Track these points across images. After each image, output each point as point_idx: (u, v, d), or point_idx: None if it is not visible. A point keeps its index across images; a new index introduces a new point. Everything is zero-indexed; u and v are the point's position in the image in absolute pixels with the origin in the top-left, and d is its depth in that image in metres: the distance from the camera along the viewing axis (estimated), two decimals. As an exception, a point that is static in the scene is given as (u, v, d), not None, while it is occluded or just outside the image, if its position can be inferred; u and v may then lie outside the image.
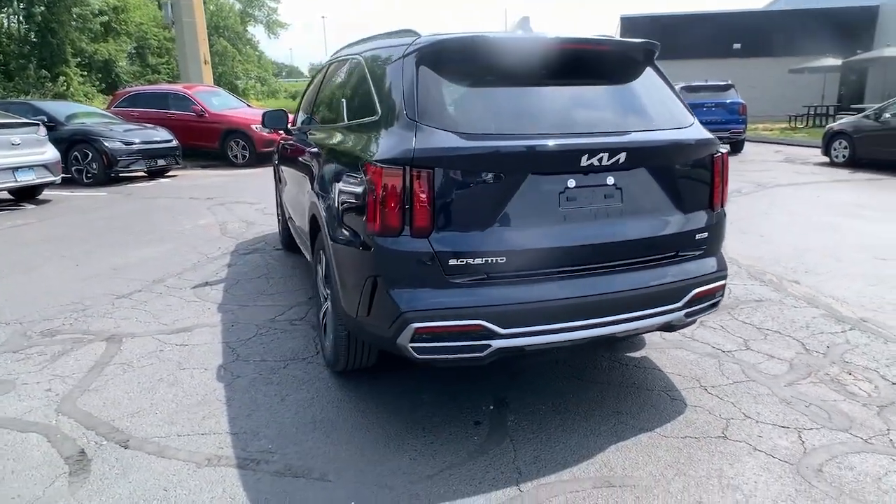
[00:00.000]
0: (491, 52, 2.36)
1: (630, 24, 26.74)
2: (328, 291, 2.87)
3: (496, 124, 2.29)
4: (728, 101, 13.88)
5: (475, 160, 2.17)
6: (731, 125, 13.55)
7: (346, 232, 2.48)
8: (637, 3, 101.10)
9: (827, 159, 11.68)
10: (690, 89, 14.09)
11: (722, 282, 2.62)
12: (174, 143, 11.02)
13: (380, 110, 2.46)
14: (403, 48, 2.47)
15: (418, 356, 2.23)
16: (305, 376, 3.05)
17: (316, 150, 3.18)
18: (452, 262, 2.19)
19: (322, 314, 3.11)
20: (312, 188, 3.06)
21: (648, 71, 2.66)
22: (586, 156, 2.23)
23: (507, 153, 2.20)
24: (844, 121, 11.64)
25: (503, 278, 2.25)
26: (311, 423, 2.61)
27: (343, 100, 3.09)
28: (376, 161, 2.21)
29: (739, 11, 28.85)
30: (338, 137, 2.85)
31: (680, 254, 2.54)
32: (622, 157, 2.29)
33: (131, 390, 2.92)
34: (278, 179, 5.24)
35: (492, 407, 2.73)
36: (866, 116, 10.91)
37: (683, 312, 2.49)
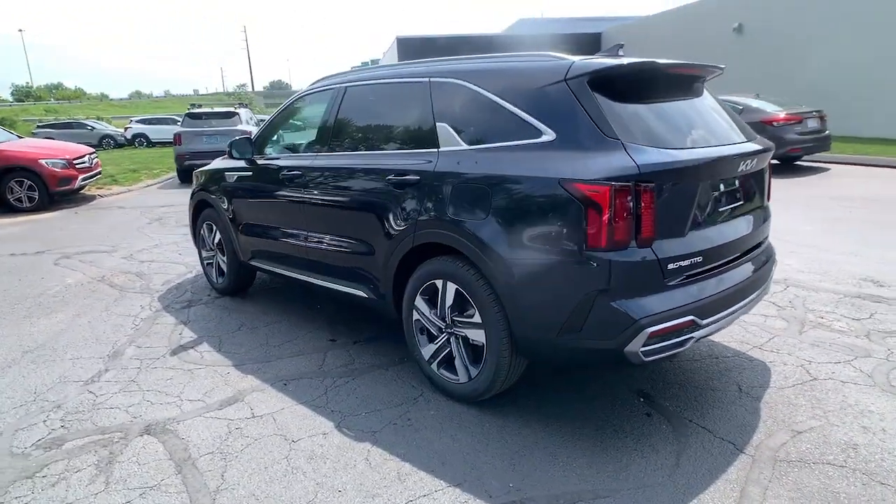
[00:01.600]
0: (652, 76, 2.61)
1: (406, 45, 28.34)
2: (472, 318, 2.76)
3: (672, 139, 2.54)
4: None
5: (685, 171, 2.40)
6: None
7: (537, 253, 2.46)
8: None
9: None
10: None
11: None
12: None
13: (552, 131, 2.50)
14: (557, 71, 2.57)
15: (646, 359, 2.37)
16: (440, 414, 2.88)
17: (415, 177, 2.95)
18: (670, 266, 2.39)
19: (442, 345, 2.96)
20: (427, 215, 2.86)
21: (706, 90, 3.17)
22: (745, 161, 2.64)
23: (704, 163, 2.48)
24: None
25: (699, 276, 2.52)
26: (510, 459, 2.52)
27: (437, 123, 2.96)
28: (600, 179, 2.29)
29: (489, 35, 32.68)
30: (472, 162, 2.75)
31: (767, 239, 3.11)
32: (755, 161, 2.75)
33: (264, 485, 2.41)
34: (223, 215, 4.57)
35: (641, 399, 2.96)
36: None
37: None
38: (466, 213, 2.71)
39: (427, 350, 3.07)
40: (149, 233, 7.67)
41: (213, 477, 2.45)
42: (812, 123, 11.01)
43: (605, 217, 2.29)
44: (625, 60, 2.56)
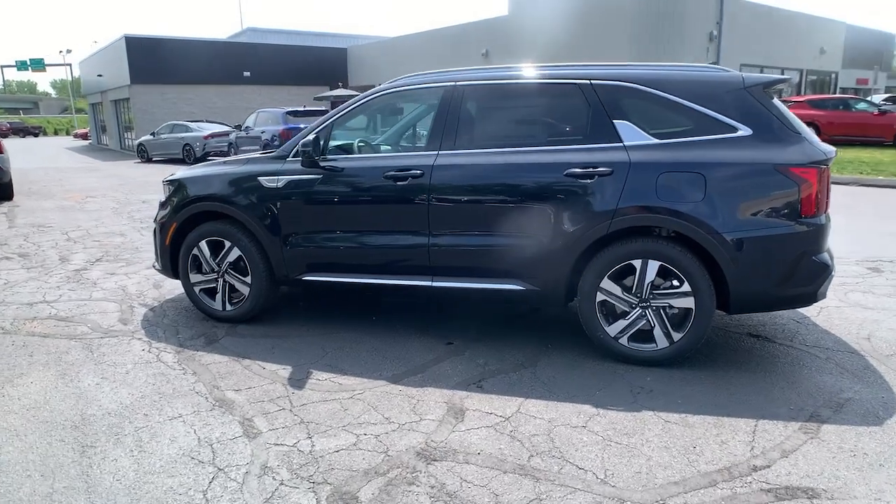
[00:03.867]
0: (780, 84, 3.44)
1: (136, 44, 24.80)
2: (679, 288, 3.19)
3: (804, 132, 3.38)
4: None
5: (831, 159, 3.26)
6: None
7: (759, 223, 3.06)
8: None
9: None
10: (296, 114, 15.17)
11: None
12: None
13: (748, 129, 3.13)
14: (735, 80, 3.22)
15: (825, 296, 3.20)
16: (657, 379, 3.21)
17: (607, 168, 3.22)
18: (826, 227, 3.24)
19: (635, 320, 3.30)
20: (629, 202, 3.17)
21: None
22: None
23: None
24: None
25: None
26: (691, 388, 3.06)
27: (614, 121, 3.29)
28: (809, 163, 3.01)
29: (221, 40, 30.81)
30: (673, 153, 3.16)
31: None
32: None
33: (619, 465, 2.47)
34: (255, 227, 3.90)
35: (754, 337, 3.78)
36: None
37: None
38: (680, 197, 3.14)
39: (614, 328, 3.36)
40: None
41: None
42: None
43: (815, 191, 3.03)
44: (777, 76, 3.34)
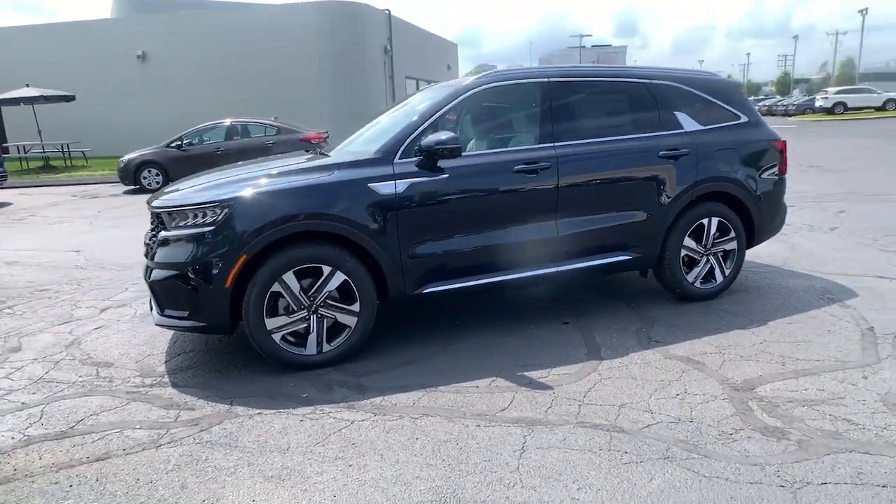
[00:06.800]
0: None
1: None
2: (729, 236, 4.26)
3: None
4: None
5: None
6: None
7: (767, 180, 4.34)
8: None
9: (135, 186, 12.58)
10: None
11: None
12: None
13: (746, 117, 4.38)
14: (734, 82, 4.47)
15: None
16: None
17: (686, 150, 4.05)
18: (783, 181, 4.81)
19: (703, 265, 4.24)
20: (704, 174, 4.07)
21: None
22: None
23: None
24: (149, 152, 12.68)
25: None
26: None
27: (674, 112, 4.10)
28: (781, 139, 4.46)
29: None
30: (716, 136, 4.14)
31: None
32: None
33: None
34: (370, 244, 3.32)
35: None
36: (168, 146, 12.62)
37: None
38: (730, 168, 4.21)
39: (692, 274, 4.23)
40: None
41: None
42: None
43: (785, 157, 4.50)
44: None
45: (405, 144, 3.48)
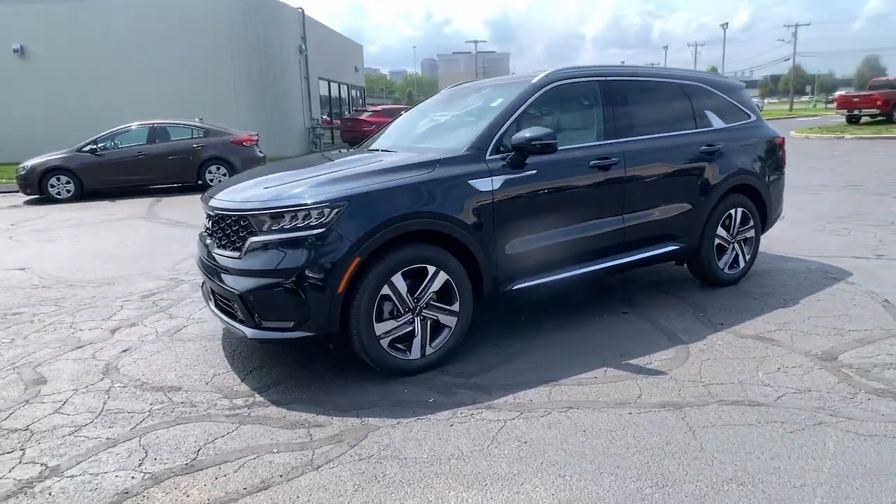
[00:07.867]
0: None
1: None
2: (750, 223, 4.66)
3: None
4: None
5: None
6: None
7: (775, 170, 4.80)
8: None
9: (39, 196, 11.12)
10: None
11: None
12: None
13: (754, 116, 4.81)
14: (740, 84, 4.87)
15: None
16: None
17: (720, 146, 4.39)
18: (766, 175, 5.33)
19: (731, 250, 4.60)
20: (733, 168, 4.41)
21: None
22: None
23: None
24: (57, 157, 11.19)
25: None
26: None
27: (705, 111, 4.40)
28: (780, 136, 4.95)
29: None
30: (738, 133, 4.50)
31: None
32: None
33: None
34: (474, 245, 3.27)
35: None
36: (80, 151, 11.26)
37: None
38: (751, 161, 4.60)
39: (722, 261, 4.58)
40: None
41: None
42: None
43: (785, 152, 5.00)
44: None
45: (494, 140, 3.45)
